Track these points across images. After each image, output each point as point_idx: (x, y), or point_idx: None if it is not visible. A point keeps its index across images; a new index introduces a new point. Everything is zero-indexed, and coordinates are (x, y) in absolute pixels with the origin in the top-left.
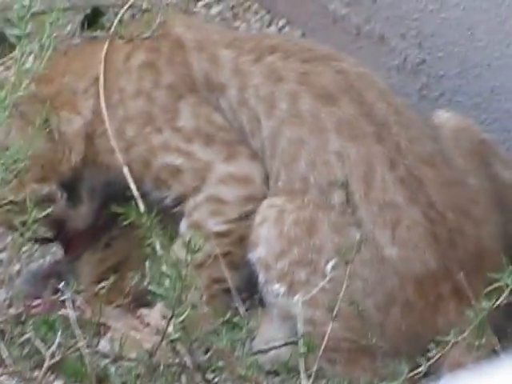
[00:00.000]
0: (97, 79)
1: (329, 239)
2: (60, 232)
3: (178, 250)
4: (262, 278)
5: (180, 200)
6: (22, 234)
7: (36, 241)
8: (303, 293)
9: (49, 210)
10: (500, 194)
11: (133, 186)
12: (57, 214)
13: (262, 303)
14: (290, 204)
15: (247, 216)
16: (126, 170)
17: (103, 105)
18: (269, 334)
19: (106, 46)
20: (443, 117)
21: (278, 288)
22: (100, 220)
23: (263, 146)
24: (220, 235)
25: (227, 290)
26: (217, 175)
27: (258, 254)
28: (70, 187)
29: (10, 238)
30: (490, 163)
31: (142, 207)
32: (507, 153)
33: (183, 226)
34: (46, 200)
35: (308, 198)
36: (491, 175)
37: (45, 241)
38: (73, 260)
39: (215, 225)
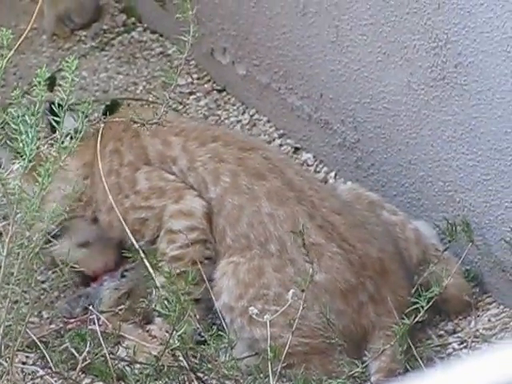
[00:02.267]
0: (84, 164)
1: (274, 277)
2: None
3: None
4: (227, 319)
5: (153, 242)
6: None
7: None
8: (260, 321)
9: None
10: (390, 233)
11: (129, 234)
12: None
13: None
14: (242, 258)
15: (194, 243)
16: (124, 224)
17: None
18: (241, 349)
19: (99, 138)
20: (342, 188)
21: (240, 322)
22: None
23: (211, 202)
24: (175, 259)
25: (196, 301)
26: (169, 213)
27: (222, 300)
28: None
29: (50, 272)
30: (379, 214)
31: (140, 250)
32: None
33: (157, 255)
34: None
35: (253, 252)
36: (382, 220)
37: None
38: (97, 286)
39: (171, 250)
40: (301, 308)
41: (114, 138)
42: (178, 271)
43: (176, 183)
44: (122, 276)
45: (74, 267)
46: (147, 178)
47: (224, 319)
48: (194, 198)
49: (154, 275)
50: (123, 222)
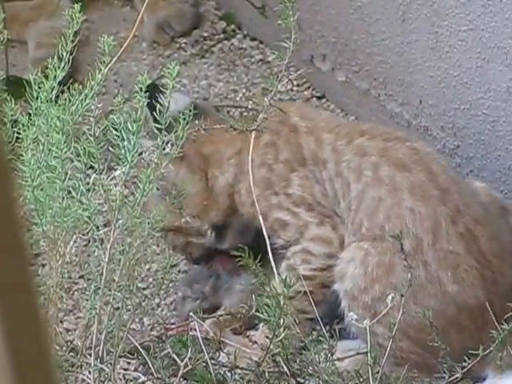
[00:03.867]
0: (238, 152)
1: (402, 278)
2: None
3: (276, 285)
4: (345, 304)
5: (286, 246)
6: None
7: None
8: (384, 323)
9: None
10: None
11: (265, 232)
12: (206, 246)
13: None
14: (373, 249)
15: (328, 268)
16: (260, 218)
17: (251, 174)
18: (346, 346)
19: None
20: (477, 186)
21: (353, 314)
22: None
23: (350, 203)
24: (306, 278)
25: (310, 319)
26: (310, 234)
27: (345, 286)
28: (220, 227)
29: (151, 279)
30: (507, 221)
31: (268, 246)
32: None
33: (283, 266)
34: (199, 234)
35: (385, 245)
36: (510, 230)
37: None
38: (230, 274)
39: (304, 270)
40: (400, 313)
41: (269, 131)
42: (304, 289)
43: (321, 208)
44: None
45: None
46: (300, 185)
47: (340, 302)
48: (333, 230)
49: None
50: (260, 218)
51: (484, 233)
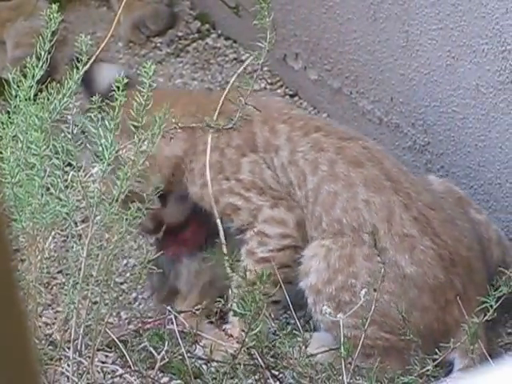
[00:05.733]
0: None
1: (363, 266)
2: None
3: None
4: (311, 300)
5: (240, 231)
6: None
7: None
8: (348, 310)
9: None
10: (476, 231)
11: (217, 216)
12: (156, 217)
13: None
14: (334, 245)
15: (285, 248)
16: (213, 202)
17: (208, 155)
18: (318, 342)
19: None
20: (433, 179)
21: (326, 308)
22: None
23: (307, 195)
24: (265, 260)
25: (275, 302)
26: (263, 217)
27: (310, 281)
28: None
29: (128, 274)
30: (466, 211)
31: (220, 229)
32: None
33: (242, 251)
34: (144, 199)
35: (345, 240)
36: (469, 219)
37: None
38: (173, 260)
39: (261, 252)
40: (373, 305)
41: (226, 116)
42: (263, 271)
43: (273, 192)
44: (203, 259)
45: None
46: (251, 170)
47: (307, 299)
48: (287, 211)
49: (232, 274)
50: (213, 203)
51: (437, 216)
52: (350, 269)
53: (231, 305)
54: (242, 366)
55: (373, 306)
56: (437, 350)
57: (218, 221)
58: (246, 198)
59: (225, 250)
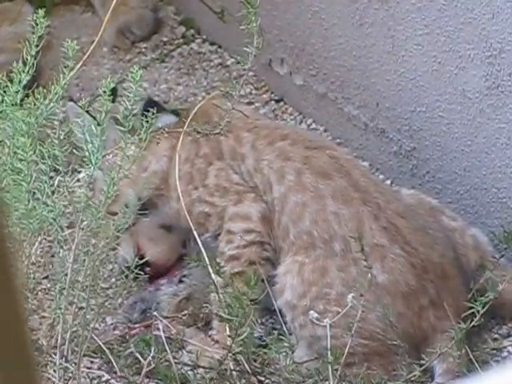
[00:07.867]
0: (172, 146)
1: (337, 276)
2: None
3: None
4: (288, 317)
5: (215, 238)
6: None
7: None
8: (322, 320)
9: None
10: (450, 238)
11: (192, 227)
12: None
13: None
14: (307, 259)
15: (251, 244)
16: (187, 215)
17: (177, 169)
18: (300, 353)
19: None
20: (405, 192)
21: (302, 320)
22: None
23: (273, 202)
24: (233, 258)
25: (252, 301)
26: (228, 215)
27: (285, 298)
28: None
29: (113, 279)
30: (439, 220)
31: (202, 248)
32: (473, 212)
33: (217, 254)
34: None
35: (318, 252)
36: (441, 227)
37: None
38: (153, 290)
39: (229, 250)
40: (360, 311)
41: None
42: (235, 270)
43: (238, 186)
44: (180, 281)
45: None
46: (216, 174)
47: (284, 317)
48: (252, 203)
49: (214, 276)
50: (186, 213)
51: (408, 225)
52: (324, 280)
53: (217, 310)
54: (228, 372)
55: (359, 311)
56: (423, 355)
57: (195, 232)
58: (211, 204)
59: (206, 259)
